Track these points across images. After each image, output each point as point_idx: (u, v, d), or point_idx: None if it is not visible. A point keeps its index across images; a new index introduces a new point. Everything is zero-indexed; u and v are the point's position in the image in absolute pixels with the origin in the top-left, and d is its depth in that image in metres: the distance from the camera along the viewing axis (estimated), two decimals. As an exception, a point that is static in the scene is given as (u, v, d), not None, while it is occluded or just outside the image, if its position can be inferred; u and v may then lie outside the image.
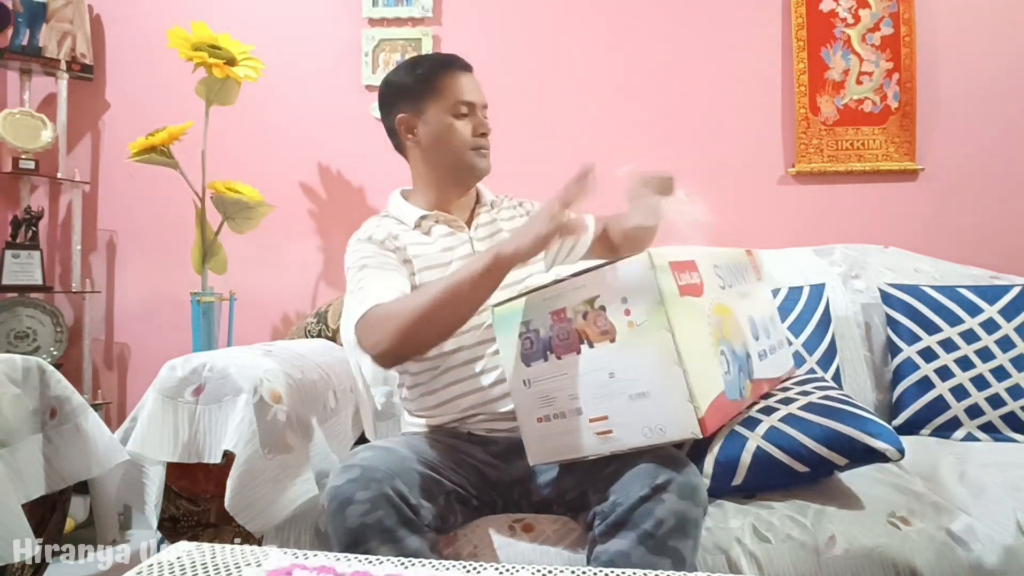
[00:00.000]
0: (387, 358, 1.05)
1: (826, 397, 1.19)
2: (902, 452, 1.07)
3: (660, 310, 0.88)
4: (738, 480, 1.09)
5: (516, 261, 0.97)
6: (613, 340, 0.92)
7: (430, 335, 1.03)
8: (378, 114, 1.31)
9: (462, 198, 1.29)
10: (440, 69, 1.22)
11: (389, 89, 1.27)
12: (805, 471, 1.09)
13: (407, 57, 2.16)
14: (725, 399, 0.95)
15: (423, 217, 1.24)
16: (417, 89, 1.22)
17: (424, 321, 0.99)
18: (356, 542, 0.89)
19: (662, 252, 0.93)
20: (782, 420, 1.13)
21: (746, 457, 1.09)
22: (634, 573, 0.66)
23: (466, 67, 1.25)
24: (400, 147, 1.29)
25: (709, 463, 1.10)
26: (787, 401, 1.19)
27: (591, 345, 0.94)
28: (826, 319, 1.62)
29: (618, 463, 0.99)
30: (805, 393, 1.22)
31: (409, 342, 1.02)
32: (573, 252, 1.04)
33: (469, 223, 1.28)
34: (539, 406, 1.00)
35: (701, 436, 0.88)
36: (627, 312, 0.90)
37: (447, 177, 1.25)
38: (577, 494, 1.03)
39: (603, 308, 0.92)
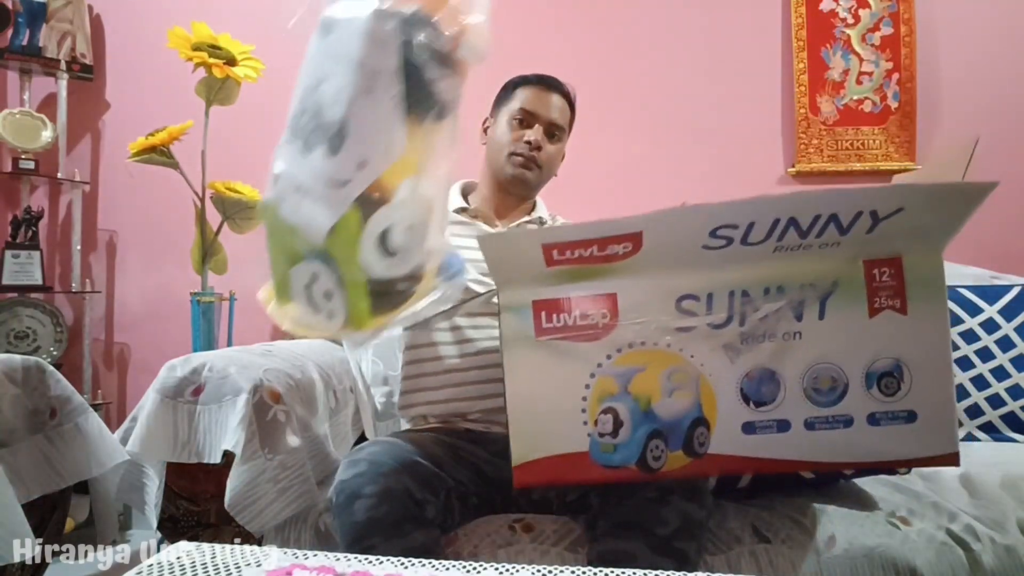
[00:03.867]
0: None
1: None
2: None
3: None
4: (744, 482, 1.09)
5: None
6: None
7: None
8: None
9: (514, 208, 1.33)
10: (524, 81, 1.30)
11: (498, 94, 1.35)
12: (811, 477, 1.09)
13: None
14: (587, 460, 0.87)
15: (463, 209, 1.30)
16: (503, 95, 1.32)
17: None
18: (363, 536, 0.90)
19: (536, 290, 0.86)
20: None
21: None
22: (634, 573, 0.66)
23: (552, 88, 1.29)
24: None
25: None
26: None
27: None
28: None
29: None
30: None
31: None
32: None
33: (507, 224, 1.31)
34: None
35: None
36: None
37: (492, 181, 1.31)
38: (577, 495, 1.04)
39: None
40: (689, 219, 0.81)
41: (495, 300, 1.13)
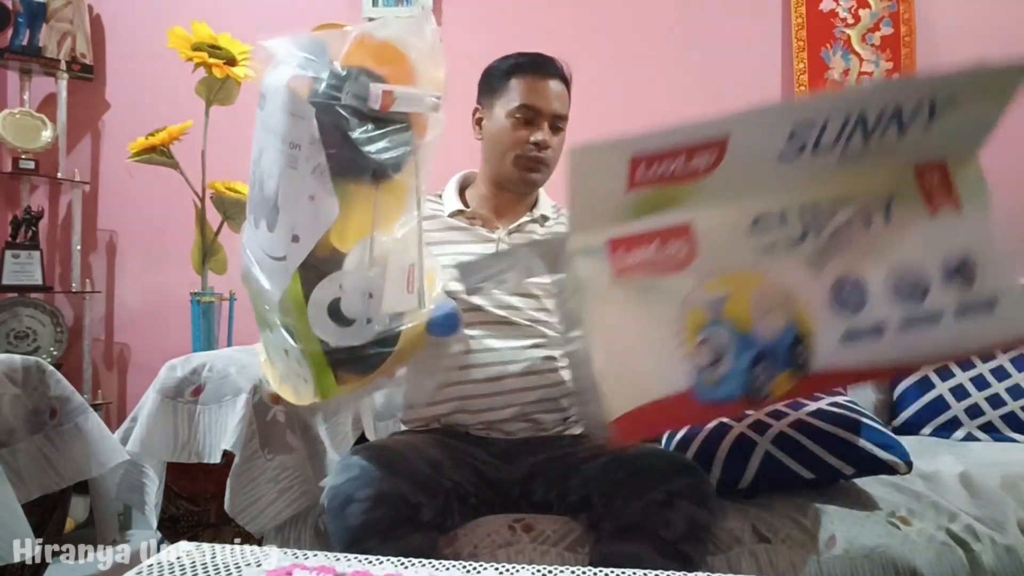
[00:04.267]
0: None
1: (834, 404, 1.19)
2: (910, 465, 1.08)
3: (581, 303, 0.81)
4: (744, 484, 1.10)
5: None
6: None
7: None
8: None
9: (517, 204, 1.25)
10: (520, 69, 1.18)
11: (481, 77, 1.24)
12: (811, 477, 1.09)
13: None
14: (690, 401, 0.83)
15: (459, 211, 1.23)
16: (494, 83, 1.20)
17: None
18: (357, 541, 0.89)
19: (609, 229, 0.81)
20: (791, 426, 1.12)
21: (754, 462, 1.09)
22: (634, 573, 0.66)
23: (550, 73, 1.18)
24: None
25: (717, 466, 1.10)
26: (796, 406, 1.18)
27: None
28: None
29: (628, 468, 0.99)
30: (813, 398, 1.22)
31: None
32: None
33: (509, 227, 1.23)
34: None
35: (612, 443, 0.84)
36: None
37: (495, 181, 1.23)
38: (580, 496, 1.03)
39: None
40: (772, 116, 0.81)
41: (511, 301, 1.10)
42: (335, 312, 0.86)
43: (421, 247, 0.93)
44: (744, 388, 0.84)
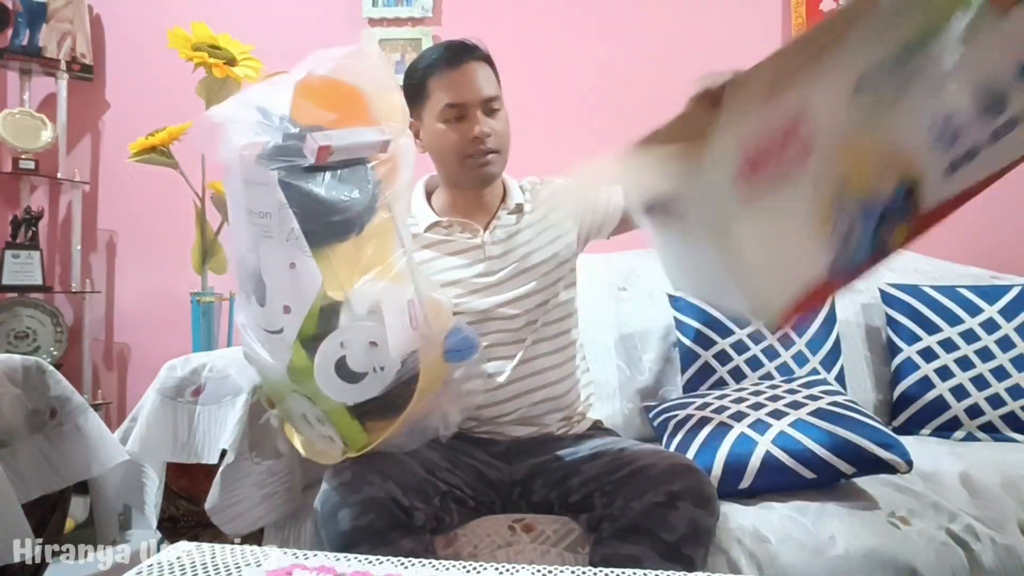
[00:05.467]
0: None
1: (834, 404, 1.19)
2: (911, 464, 1.08)
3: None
4: (745, 483, 1.10)
5: None
6: None
7: None
8: None
9: (483, 200, 1.19)
10: (431, 71, 1.11)
11: (405, 92, 1.15)
12: (812, 477, 1.09)
13: (407, 57, 2.18)
14: (831, 279, 0.83)
15: (435, 223, 1.17)
16: (415, 94, 1.13)
17: None
18: (348, 546, 0.89)
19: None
20: (791, 425, 1.13)
21: (755, 461, 1.09)
22: (634, 573, 0.66)
23: (463, 60, 1.10)
24: None
25: (718, 465, 1.10)
26: (796, 405, 1.19)
27: None
28: (831, 318, 1.61)
29: (629, 468, 0.99)
30: (813, 398, 1.22)
31: None
32: None
33: (488, 225, 1.18)
34: None
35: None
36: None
37: (452, 187, 1.19)
38: (581, 496, 1.03)
39: None
40: None
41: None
42: (343, 371, 0.84)
43: (416, 280, 0.91)
44: (872, 249, 0.86)
